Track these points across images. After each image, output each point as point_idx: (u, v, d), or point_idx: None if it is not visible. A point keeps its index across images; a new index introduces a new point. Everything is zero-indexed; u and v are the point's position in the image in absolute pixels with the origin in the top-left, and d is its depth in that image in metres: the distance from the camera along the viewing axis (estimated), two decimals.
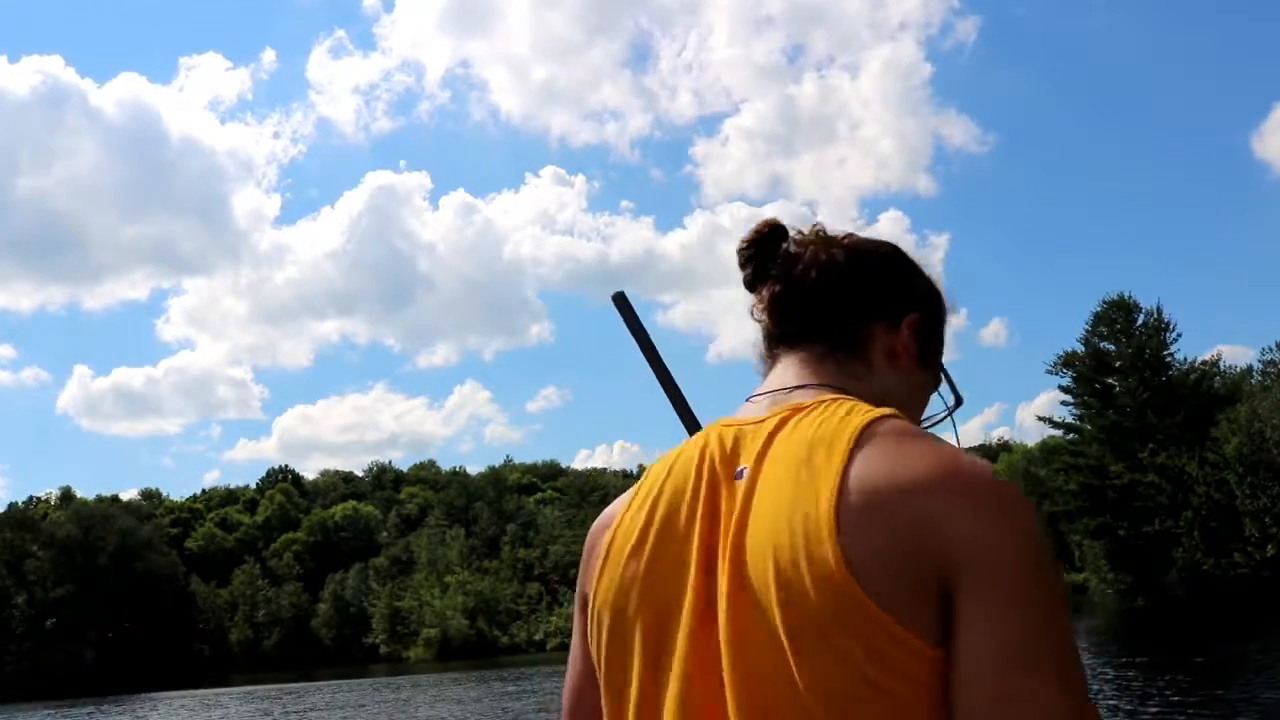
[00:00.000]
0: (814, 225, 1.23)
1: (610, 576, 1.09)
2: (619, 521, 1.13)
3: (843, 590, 0.87)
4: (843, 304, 1.17)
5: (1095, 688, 20.91)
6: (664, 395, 1.38)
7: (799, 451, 0.97)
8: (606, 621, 1.07)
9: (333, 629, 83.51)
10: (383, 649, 78.47)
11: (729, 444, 1.06)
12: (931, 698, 0.87)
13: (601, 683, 1.07)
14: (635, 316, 1.39)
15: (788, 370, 1.15)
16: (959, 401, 1.32)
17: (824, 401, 1.05)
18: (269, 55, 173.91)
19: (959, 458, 0.93)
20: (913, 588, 0.87)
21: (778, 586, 0.91)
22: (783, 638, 0.90)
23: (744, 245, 1.22)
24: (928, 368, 1.25)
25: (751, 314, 1.22)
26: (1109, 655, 28.74)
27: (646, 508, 1.08)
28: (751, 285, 1.22)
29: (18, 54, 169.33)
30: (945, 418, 1.33)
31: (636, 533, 1.07)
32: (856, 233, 1.25)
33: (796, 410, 1.04)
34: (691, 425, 1.33)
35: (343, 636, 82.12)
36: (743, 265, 1.22)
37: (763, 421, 1.06)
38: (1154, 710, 16.85)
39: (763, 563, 0.93)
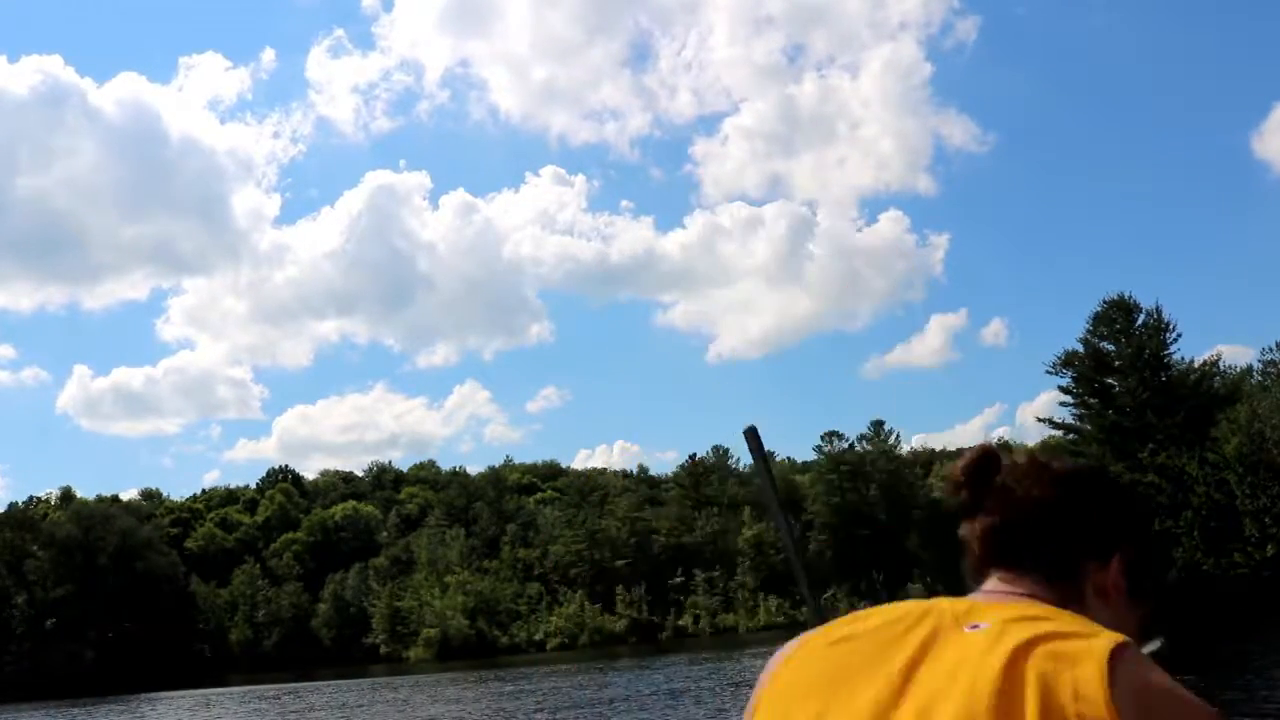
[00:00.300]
0: (1028, 456, 1.31)
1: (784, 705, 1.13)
2: (809, 646, 1.18)
3: None
4: (1057, 542, 1.22)
5: None
6: (775, 525, 1.44)
7: (1047, 630, 1.05)
8: None
9: (333, 629, 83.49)
10: (383, 649, 78.44)
11: (963, 608, 1.13)
12: None
13: None
14: (764, 454, 1.44)
15: (1006, 583, 1.22)
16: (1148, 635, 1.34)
17: (1056, 611, 1.12)
18: (268, 55, 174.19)
19: (1180, 695, 1.06)
20: None
21: None
22: None
23: (960, 476, 1.29)
24: (1138, 602, 1.28)
25: (961, 539, 1.29)
26: None
27: (853, 642, 1.14)
28: (967, 514, 1.29)
29: (17, 54, 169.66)
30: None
31: (838, 658, 1.13)
32: (1066, 460, 1.32)
33: (1030, 609, 1.12)
34: (807, 581, 1.42)
35: (343, 636, 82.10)
36: (956, 492, 1.29)
37: (1005, 605, 1.13)
38: None
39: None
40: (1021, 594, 1.19)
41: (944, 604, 1.15)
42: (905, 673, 1.06)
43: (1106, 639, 1.04)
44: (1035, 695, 0.98)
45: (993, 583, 1.23)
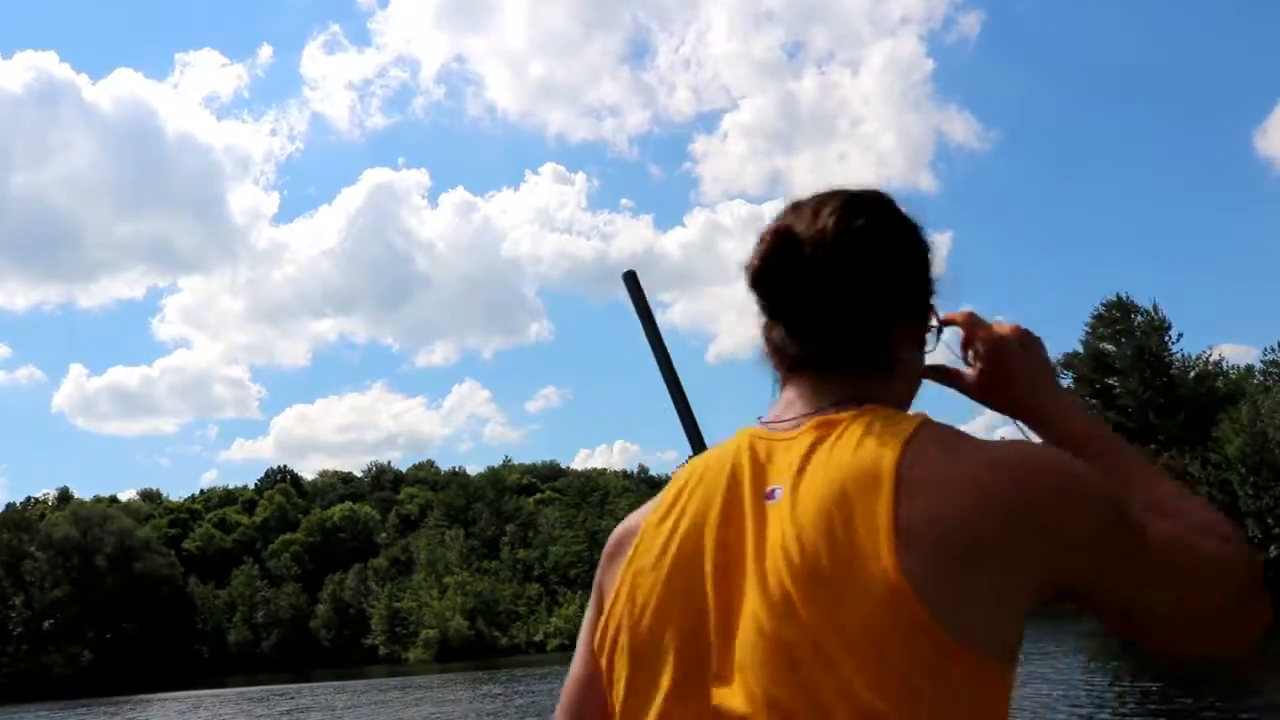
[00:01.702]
0: (819, 206, 1.09)
1: (629, 588, 1.05)
2: (643, 530, 1.07)
3: (907, 619, 0.85)
4: (864, 311, 1.06)
5: (1098, 689, 20.73)
6: (664, 385, 1.31)
7: (837, 477, 0.93)
8: (624, 639, 1.04)
9: (331, 630, 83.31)
10: (382, 650, 78.26)
11: (761, 458, 1.01)
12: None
13: (618, 700, 1.04)
14: (644, 297, 1.30)
15: (813, 382, 1.07)
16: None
17: (859, 415, 0.99)
18: (265, 51, 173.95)
19: (1034, 451, 0.96)
20: (994, 599, 0.88)
21: (798, 615, 0.89)
22: (813, 653, 0.88)
23: (755, 267, 1.08)
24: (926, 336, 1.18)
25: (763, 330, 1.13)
26: (1109, 659, 28.55)
27: (671, 521, 1.04)
28: (769, 312, 1.10)
29: (11, 49, 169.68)
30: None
31: (658, 547, 1.03)
32: (858, 198, 1.11)
33: (830, 426, 0.99)
34: (688, 420, 1.28)
35: (341, 637, 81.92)
36: (753, 286, 1.10)
37: (795, 437, 1.00)
38: (1154, 712, 16.67)
39: (794, 588, 0.90)
40: (825, 403, 1.03)
41: (745, 459, 1.02)
42: (718, 595, 0.96)
43: (893, 450, 0.92)
44: (836, 577, 0.88)
45: (801, 385, 1.07)
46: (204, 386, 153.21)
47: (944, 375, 1.25)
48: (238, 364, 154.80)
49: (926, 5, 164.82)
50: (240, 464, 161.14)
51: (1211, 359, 51.08)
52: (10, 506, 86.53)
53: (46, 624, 72.78)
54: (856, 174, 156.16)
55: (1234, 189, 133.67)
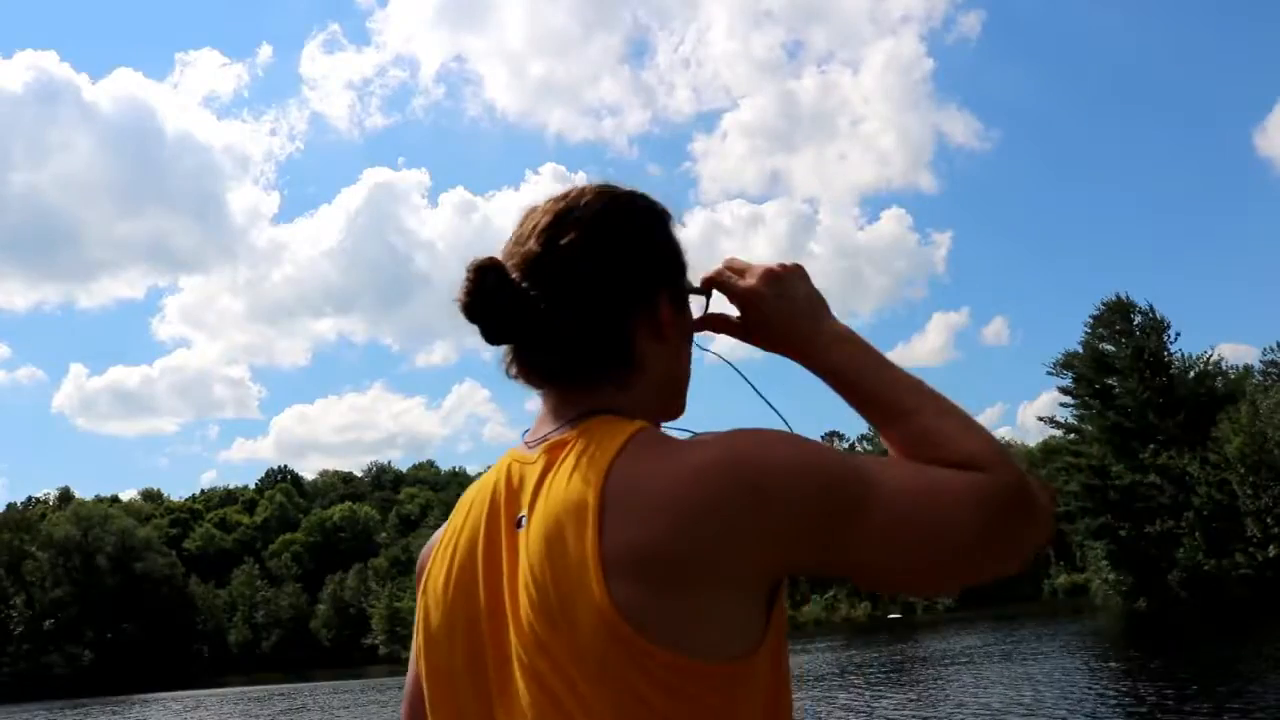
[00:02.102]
0: (535, 215, 1.11)
1: (423, 616, 1.06)
2: (433, 555, 1.09)
3: (613, 632, 0.87)
4: (586, 322, 1.04)
5: (1098, 689, 20.76)
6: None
7: (554, 509, 0.94)
8: (424, 666, 1.05)
9: (332, 630, 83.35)
10: (382, 650, 78.26)
11: (514, 483, 1.02)
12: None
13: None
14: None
15: (554, 398, 1.08)
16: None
17: (581, 434, 0.99)
18: (265, 50, 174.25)
19: (705, 454, 0.92)
20: (703, 603, 0.88)
21: (544, 644, 0.91)
22: (560, 685, 0.90)
23: (464, 301, 1.09)
24: (686, 322, 1.17)
25: (506, 372, 1.12)
26: (1111, 656, 28.58)
27: (451, 547, 1.05)
28: (492, 340, 1.10)
29: (12, 49, 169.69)
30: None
31: (443, 576, 1.04)
32: (572, 198, 1.11)
33: (558, 450, 0.99)
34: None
35: (342, 637, 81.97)
36: (472, 320, 1.09)
37: (535, 461, 1.01)
38: (1155, 712, 16.70)
39: (535, 618, 0.92)
40: (558, 425, 1.04)
41: (502, 481, 1.03)
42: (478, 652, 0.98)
43: (597, 475, 0.92)
44: (550, 611, 0.90)
45: (546, 401, 1.08)
46: (204, 386, 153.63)
47: (718, 323, 1.25)
48: (238, 364, 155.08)
49: (927, 4, 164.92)
50: (240, 464, 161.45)
51: (1211, 359, 51.13)
52: (11, 506, 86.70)
53: (47, 624, 72.80)
54: (856, 174, 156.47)
55: (1234, 188, 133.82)
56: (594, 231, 1.06)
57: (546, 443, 1.01)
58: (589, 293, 1.04)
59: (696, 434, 0.99)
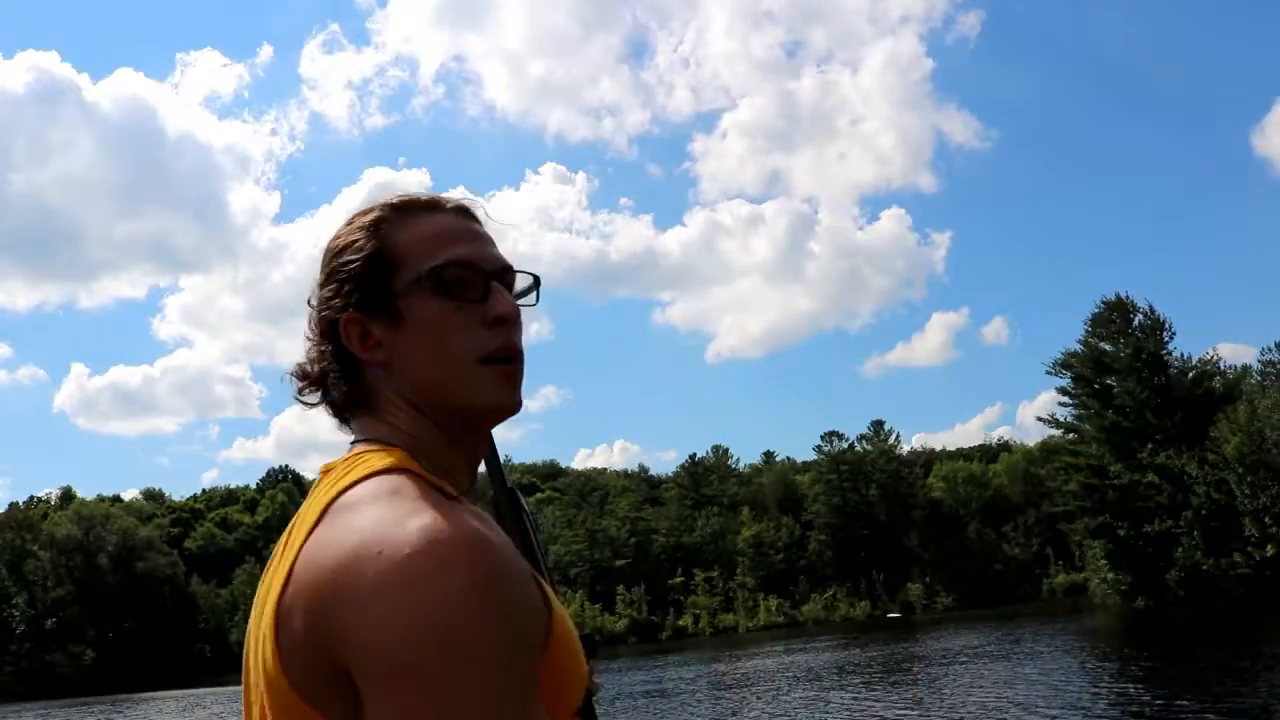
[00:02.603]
0: None
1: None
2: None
3: (277, 685, 0.88)
4: (325, 355, 1.09)
5: (1097, 689, 20.90)
6: None
7: (303, 512, 0.98)
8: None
9: None
10: None
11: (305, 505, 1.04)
12: None
13: None
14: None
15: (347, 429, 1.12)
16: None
17: (348, 457, 1.03)
18: (266, 51, 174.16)
19: (370, 537, 0.85)
20: (329, 683, 0.85)
21: (253, 677, 0.95)
22: None
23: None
24: (417, 325, 1.05)
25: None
26: (1110, 656, 28.70)
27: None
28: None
29: (13, 49, 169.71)
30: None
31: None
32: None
33: (324, 474, 1.03)
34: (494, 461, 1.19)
35: None
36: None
37: (327, 469, 1.05)
38: (1154, 711, 16.82)
39: (249, 653, 0.96)
40: (351, 444, 1.08)
41: (300, 509, 1.03)
42: None
43: (299, 537, 0.93)
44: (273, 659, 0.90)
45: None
46: (205, 386, 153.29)
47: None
48: (238, 363, 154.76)
49: (926, 4, 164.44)
50: (241, 463, 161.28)
51: (1209, 359, 51.26)
52: (13, 506, 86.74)
53: (49, 623, 72.94)
54: (856, 174, 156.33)
55: (1231, 188, 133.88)
56: (326, 267, 1.10)
57: (326, 464, 1.05)
58: (324, 328, 1.08)
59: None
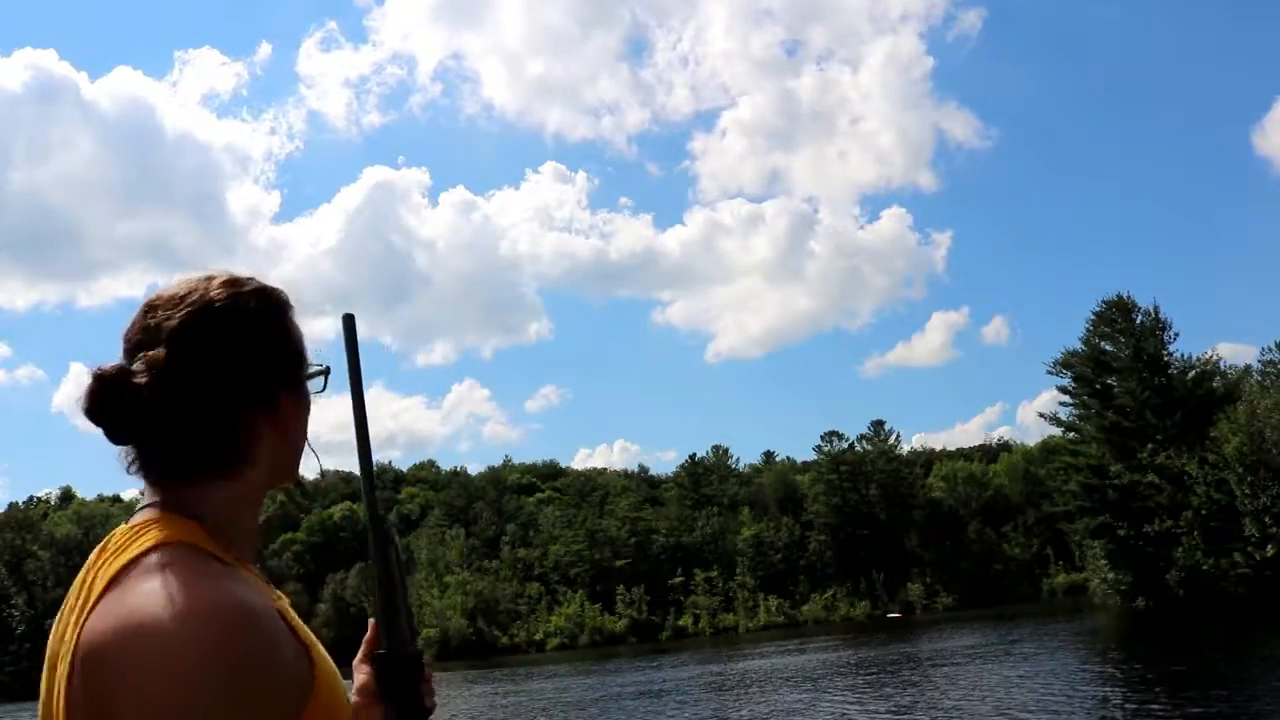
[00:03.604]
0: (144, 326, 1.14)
1: None
2: None
3: None
4: (206, 420, 1.11)
5: (1097, 689, 20.88)
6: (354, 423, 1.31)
7: (94, 578, 1.02)
8: None
9: (333, 629, 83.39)
10: None
11: (104, 557, 1.07)
12: None
13: None
14: (356, 344, 1.35)
15: (150, 485, 1.14)
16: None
17: (139, 524, 1.07)
18: (265, 49, 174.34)
19: (137, 611, 0.93)
20: None
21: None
22: None
23: (86, 407, 1.11)
24: (304, 406, 1.23)
25: (127, 470, 1.15)
26: (1110, 656, 28.69)
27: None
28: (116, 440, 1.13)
29: (10, 47, 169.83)
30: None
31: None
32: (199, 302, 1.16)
33: (101, 552, 1.07)
34: (369, 487, 1.30)
35: (343, 637, 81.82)
36: (94, 423, 1.12)
37: (121, 533, 1.08)
38: (1155, 711, 16.80)
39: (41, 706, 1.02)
40: (143, 508, 1.11)
41: (98, 554, 1.09)
42: None
43: (91, 598, 0.99)
44: None
45: (147, 490, 1.14)
46: None
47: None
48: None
49: (926, 2, 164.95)
50: None
51: (1209, 359, 51.21)
52: (12, 506, 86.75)
53: (48, 623, 72.59)
54: (856, 173, 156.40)
55: (1232, 187, 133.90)
56: (215, 342, 1.13)
57: (113, 536, 1.09)
58: (212, 396, 1.10)
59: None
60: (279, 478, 1.21)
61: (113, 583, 0.99)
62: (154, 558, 1.00)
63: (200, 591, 0.95)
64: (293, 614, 1.10)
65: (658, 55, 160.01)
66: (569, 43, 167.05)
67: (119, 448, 1.12)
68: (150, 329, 1.13)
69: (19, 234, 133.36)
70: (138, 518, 1.09)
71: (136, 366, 1.10)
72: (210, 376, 1.11)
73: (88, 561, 1.08)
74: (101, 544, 1.09)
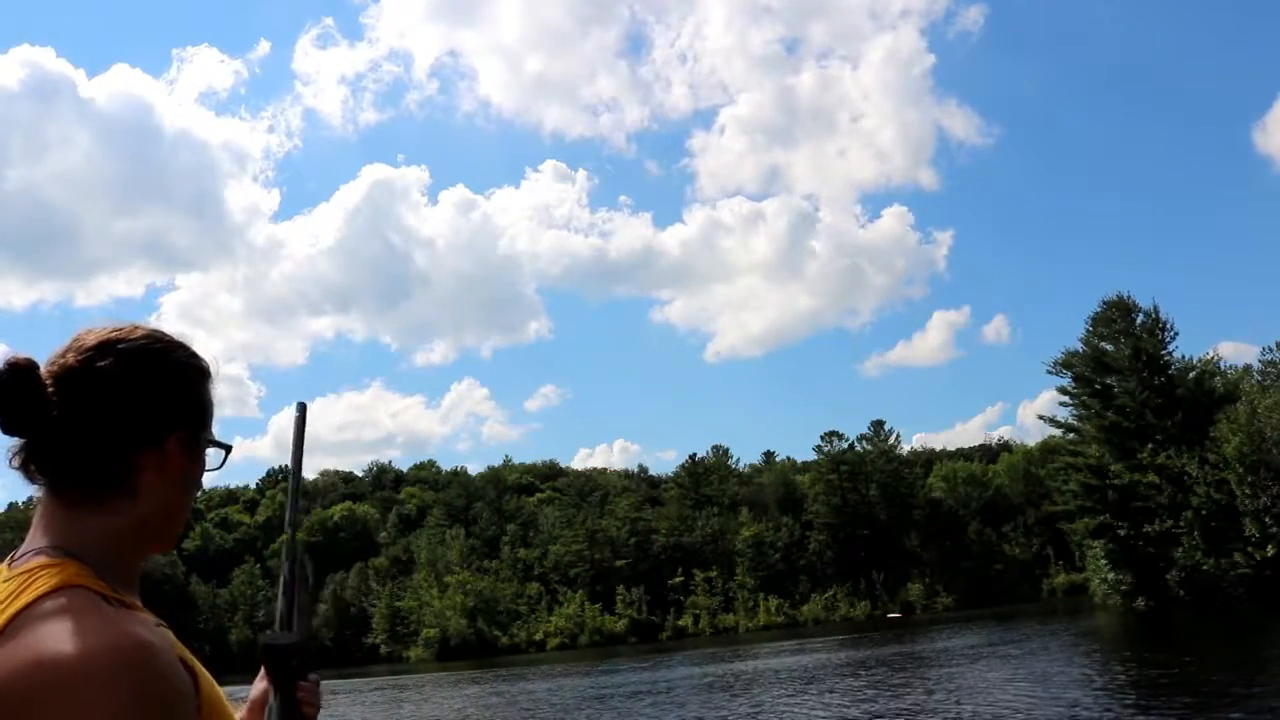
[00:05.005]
0: (73, 348, 1.21)
1: None
2: None
3: None
4: (93, 437, 1.17)
5: (1097, 689, 20.86)
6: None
7: None
8: None
9: (333, 629, 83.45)
10: (383, 649, 78.43)
11: None
12: None
13: None
14: (303, 431, 1.52)
15: (36, 523, 1.20)
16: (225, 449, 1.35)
17: (24, 571, 1.10)
18: (263, 46, 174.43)
19: (48, 654, 0.98)
20: None
21: None
22: None
23: None
24: (197, 468, 1.29)
25: (10, 463, 1.22)
26: (1110, 656, 28.68)
27: None
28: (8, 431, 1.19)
29: (8, 45, 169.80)
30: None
31: None
32: (120, 337, 1.23)
33: (15, 576, 1.11)
34: (291, 589, 1.44)
35: (343, 637, 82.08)
36: None
37: (5, 581, 1.11)
38: (1155, 711, 16.80)
39: None
40: (29, 550, 1.16)
41: None
42: None
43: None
44: None
45: (33, 523, 1.20)
46: None
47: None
48: (236, 362, 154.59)
49: None
50: (239, 463, 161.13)
51: (1209, 359, 51.18)
52: (12, 506, 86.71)
53: None
54: (856, 171, 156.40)
55: (1233, 185, 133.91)
56: (127, 365, 1.20)
57: (16, 568, 1.12)
58: (104, 416, 1.17)
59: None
60: (158, 527, 1.24)
61: (11, 627, 1.02)
62: (50, 602, 1.04)
63: (105, 633, 1.00)
64: (175, 640, 1.15)
65: (656, 52, 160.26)
66: (567, 40, 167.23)
67: (7, 438, 1.18)
68: (71, 349, 1.21)
69: (17, 232, 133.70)
70: (21, 564, 1.12)
71: (49, 369, 1.18)
72: (106, 399, 1.17)
73: None
74: None
